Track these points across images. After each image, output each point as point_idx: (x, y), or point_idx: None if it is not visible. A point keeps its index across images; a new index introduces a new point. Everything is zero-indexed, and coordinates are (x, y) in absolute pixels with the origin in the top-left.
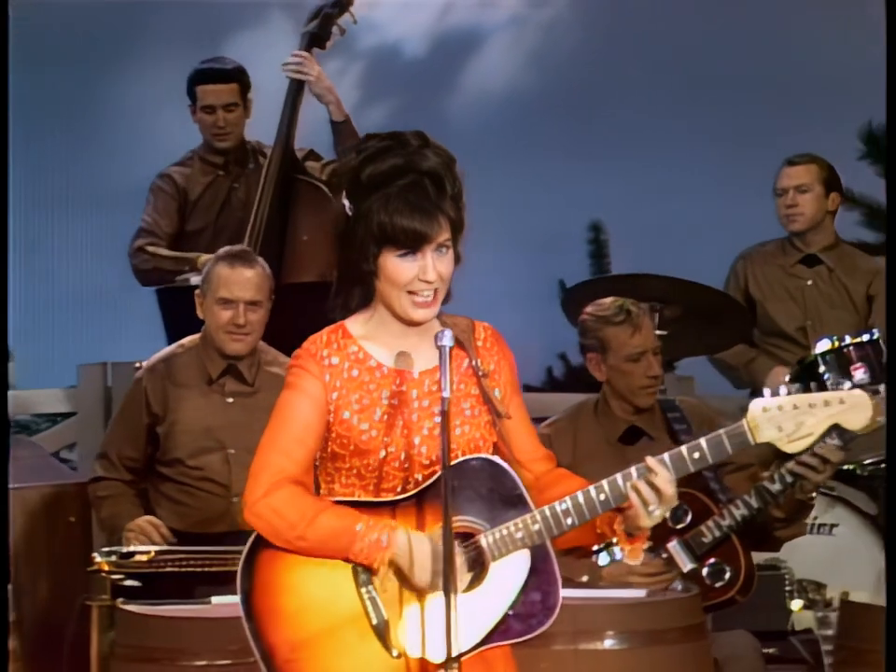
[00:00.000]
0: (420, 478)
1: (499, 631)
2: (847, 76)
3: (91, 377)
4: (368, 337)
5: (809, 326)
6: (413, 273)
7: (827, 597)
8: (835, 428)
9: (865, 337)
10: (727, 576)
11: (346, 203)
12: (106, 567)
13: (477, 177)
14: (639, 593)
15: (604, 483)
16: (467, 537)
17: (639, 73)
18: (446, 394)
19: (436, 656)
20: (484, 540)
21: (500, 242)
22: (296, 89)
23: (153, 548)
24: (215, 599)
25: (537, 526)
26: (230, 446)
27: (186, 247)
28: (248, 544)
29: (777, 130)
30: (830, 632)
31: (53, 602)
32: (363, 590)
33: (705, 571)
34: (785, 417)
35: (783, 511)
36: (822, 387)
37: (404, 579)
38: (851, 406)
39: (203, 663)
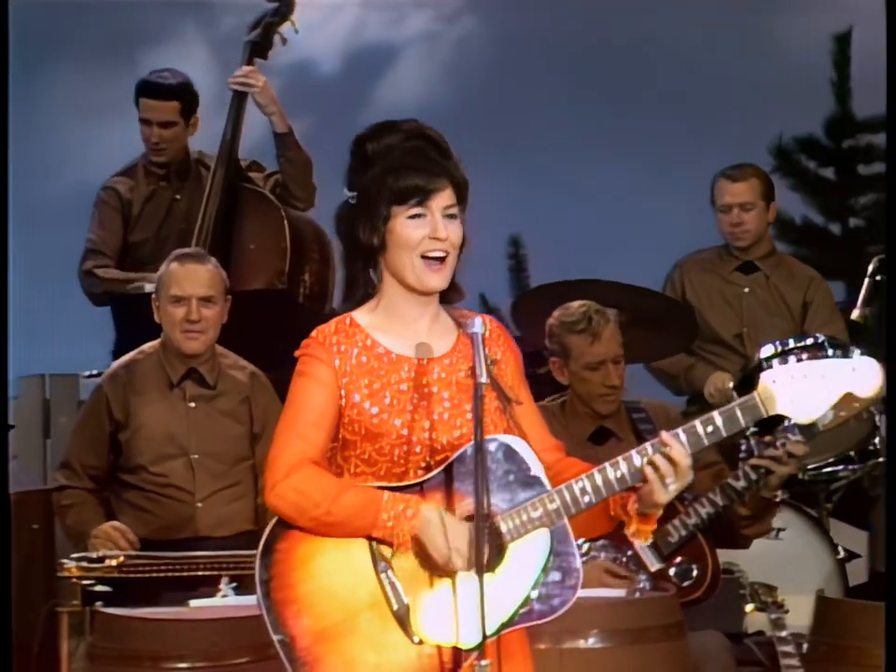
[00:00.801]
0: (432, 463)
1: (521, 613)
2: (757, 90)
3: (30, 389)
4: (374, 326)
5: (746, 333)
6: (423, 233)
7: (779, 600)
8: (846, 397)
9: (809, 341)
10: (694, 574)
11: (348, 192)
12: (77, 573)
13: None
14: (619, 592)
15: (619, 459)
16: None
17: (554, 86)
18: (483, 379)
19: (458, 640)
20: (502, 521)
21: None
22: (239, 98)
23: (123, 553)
24: (193, 603)
25: (554, 505)
26: (193, 452)
27: (129, 259)
28: (265, 534)
29: (690, 143)
30: (784, 633)
31: (18, 610)
32: (383, 576)
33: (672, 571)
34: (797, 388)
35: (749, 509)
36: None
37: (423, 556)
38: (862, 374)
39: (186, 665)
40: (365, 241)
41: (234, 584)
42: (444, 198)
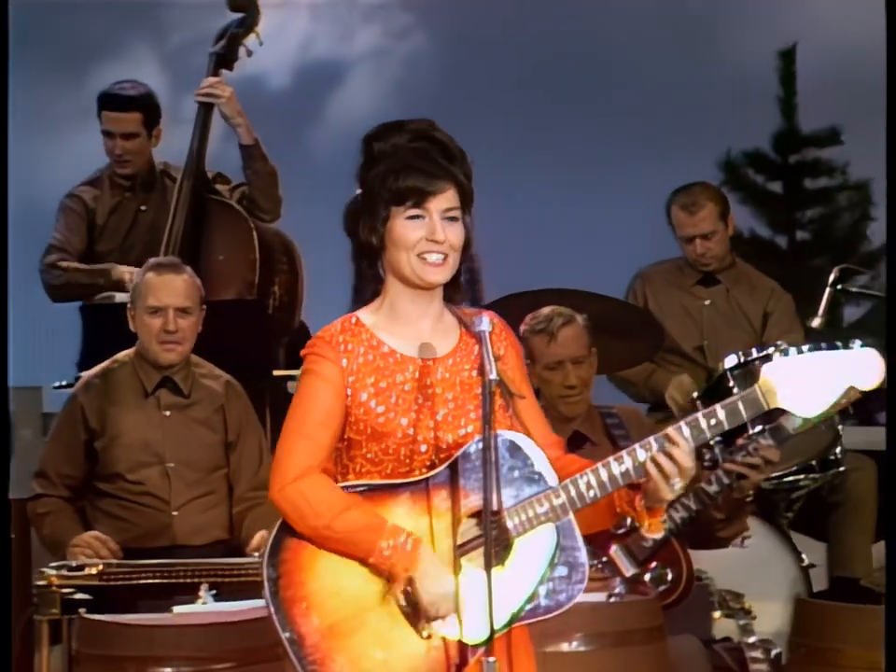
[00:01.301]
0: (437, 462)
1: (527, 609)
2: (705, 105)
3: None
4: (379, 326)
5: (706, 345)
6: (420, 234)
7: (746, 606)
8: (847, 390)
9: (771, 349)
10: (669, 579)
11: (358, 190)
12: (56, 581)
13: (340, 212)
14: (600, 595)
15: (623, 454)
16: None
17: (503, 101)
18: (493, 376)
19: (467, 636)
20: (508, 517)
21: None
22: (206, 109)
23: (102, 561)
24: (176, 609)
25: (560, 500)
26: (168, 460)
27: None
28: (273, 532)
29: (641, 157)
30: (752, 639)
31: None
32: (393, 571)
33: (647, 576)
34: (797, 381)
35: (722, 511)
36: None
37: (411, 597)
38: (863, 366)
39: (171, 670)
40: (365, 240)
41: (214, 592)
42: (445, 200)
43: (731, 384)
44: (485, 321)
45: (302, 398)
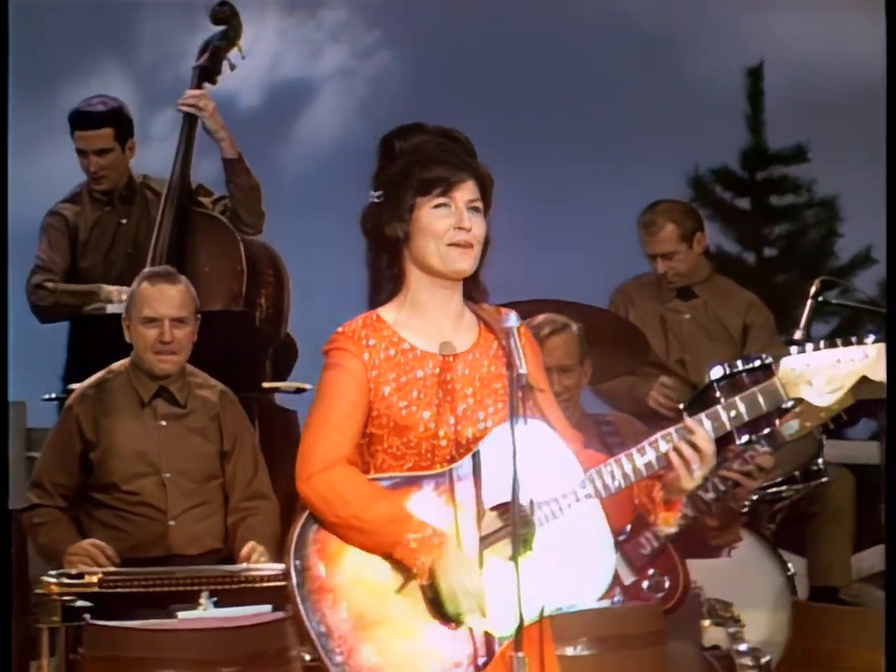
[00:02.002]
0: (457, 456)
1: (553, 602)
2: (673, 121)
3: None
4: (400, 323)
5: (688, 359)
6: (449, 222)
7: (735, 615)
8: (862, 381)
9: (756, 363)
10: (667, 586)
11: (373, 193)
12: (57, 589)
13: (312, 228)
14: (603, 601)
15: (645, 445)
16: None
17: (468, 120)
18: (523, 370)
19: (493, 629)
20: (531, 507)
21: (347, 294)
22: (189, 123)
23: (101, 570)
24: (181, 614)
25: (585, 491)
26: (164, 470)
27: (78, 284)
28: (300, 524)
29: (606, 175)
30: (743, 647)
31: None
32: (418, 563)
33: (645, 584)
34: (814, 373)
35: (716, 519)
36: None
37: (431, 593)
38: (875, 359)
39: None
40: (390, 233)
41: (214, 599)
42: (468, 191)
43: (717, 394)
44: (513, 318)
45: (326, 391)
